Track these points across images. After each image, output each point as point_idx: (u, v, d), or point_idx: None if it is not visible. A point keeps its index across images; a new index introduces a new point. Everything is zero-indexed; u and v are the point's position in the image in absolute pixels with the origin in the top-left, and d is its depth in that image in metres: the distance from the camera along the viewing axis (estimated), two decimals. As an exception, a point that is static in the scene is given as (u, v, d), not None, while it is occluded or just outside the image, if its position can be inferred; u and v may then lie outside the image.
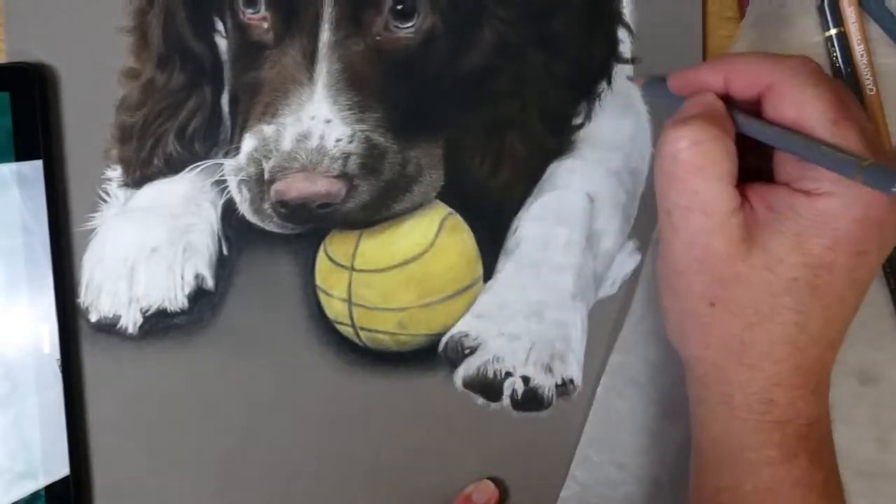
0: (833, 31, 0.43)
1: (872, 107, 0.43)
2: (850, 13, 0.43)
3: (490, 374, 0.42)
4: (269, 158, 0.40)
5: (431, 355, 0.43)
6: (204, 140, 0.42)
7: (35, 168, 0.41)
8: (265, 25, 0.41)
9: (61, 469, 0.41)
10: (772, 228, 0.33)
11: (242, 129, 0.41)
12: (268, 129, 0.41)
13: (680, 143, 0.34)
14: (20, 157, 0.41)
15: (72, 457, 0.41)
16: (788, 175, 0.34)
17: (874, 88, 0.43)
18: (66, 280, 0.42)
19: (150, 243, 0.42)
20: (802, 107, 0.33)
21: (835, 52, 0.43)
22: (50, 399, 0.41)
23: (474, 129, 0.42)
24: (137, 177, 0.42)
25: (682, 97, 0.37)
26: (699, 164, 0.34)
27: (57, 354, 0.41)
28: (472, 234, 0.42)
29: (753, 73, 0.35)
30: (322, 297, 0.42)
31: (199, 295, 0.42)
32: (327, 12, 0.41)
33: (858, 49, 0.43)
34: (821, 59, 0.43)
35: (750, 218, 0.34)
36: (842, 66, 0.43)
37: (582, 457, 0.43)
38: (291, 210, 0.40)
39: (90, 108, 0.41)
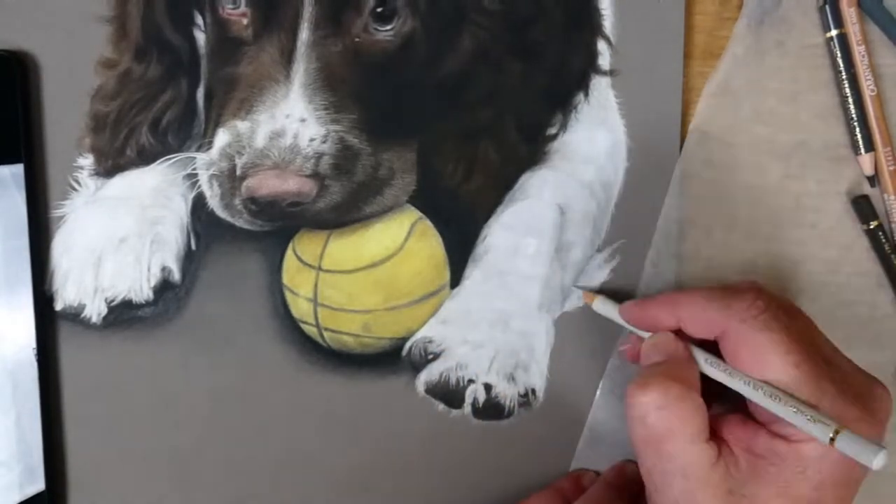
0: (834, 33, 0.43)
1: (873, 108, 0.43)
2: (850, 14, 0.43)
3: (452, 381, 0.42)
4: (242, 154, 0.40)
5: (395, 359, 0.43)
6: (177, 133, 0.42)
7: (15, 168, 0.41)
8: (244, 21, 0.41)
9: (36, 461, 0.41)
10: (756, 476, 0.34)
11: (216, 124, 0.41)
12: (242, 126, 0.41)
13: (646, 409, 0.34)
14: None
15: (46, 449, 0.41)
16: (762, 415, 0.34)
17: (875, 89, 0.43)
18: (44, 275, 0.41)
19: (118, 234, 0.42)
20: (761, 354, 0.33)
21: (836, 53, 0.43)
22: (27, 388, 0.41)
23: (449, 135, 0.42)
24: (109, 166, 0.42)
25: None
26: (669, 428, 0.33)
27: (33, 343, 0.41)
28: (441, 240, 0.42)
29: (704, 318, 0.35)
30: (288, 296, 0.42)
31: (165, 288, 0.42)
32: (307, 11, 0.40)
33: (859, 50, 0.43)
34: (821, 61, 0.44)
35: (732, 467, 0.34)
36: (843, 67, 0.43)
37: (582, 457, 0.43)
38: (261, 207, 0.40)
39: (65, 97, 0.41)
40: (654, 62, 0.43)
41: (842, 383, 0.33)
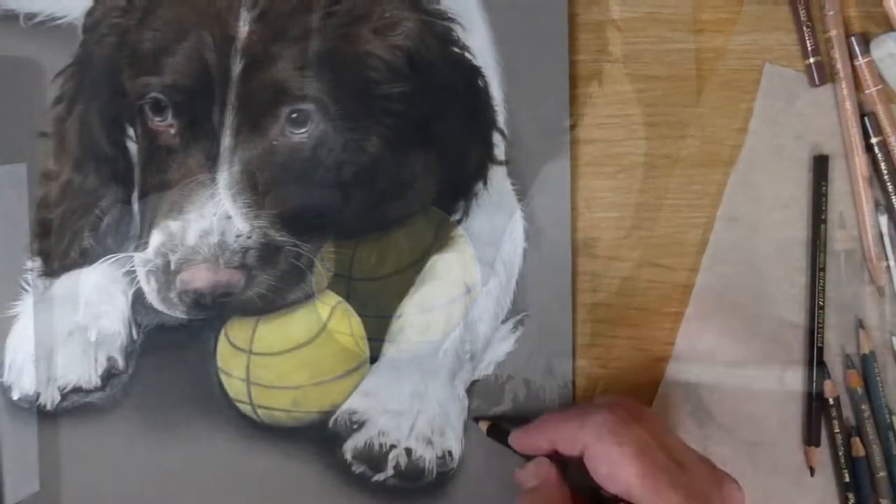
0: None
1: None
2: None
3: (376, 447, 0.46)
4: (175, 252, 0.44)
5: (323, 430, 0.47)
6: (115, 235, 0.46)
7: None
8: (172, 131, 0.45)
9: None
10: None
11: (151, 226, 0.45)
12: (174, 225, 0.45)
13: None
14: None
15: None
16: None
17: None
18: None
19: (66, 328, 0.46)
20: (613, 467, 0.36)
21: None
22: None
23: (362, 225, 0.47)
24: (56, 267, 0.46)
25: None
26: None
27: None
28: (360, 321, 0.47)
29: (568, 437, 0.38)
30: (223, 378, 0.46)
31: (110, 375, 0.46)
32: (228, 120, 0.45)
33: None
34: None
35: None
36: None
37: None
38: (195, 298, 0.44)
39: (10, 206, 0.46)
40: (544, 151, 0.47)
41: (689, 487, 0.36)
